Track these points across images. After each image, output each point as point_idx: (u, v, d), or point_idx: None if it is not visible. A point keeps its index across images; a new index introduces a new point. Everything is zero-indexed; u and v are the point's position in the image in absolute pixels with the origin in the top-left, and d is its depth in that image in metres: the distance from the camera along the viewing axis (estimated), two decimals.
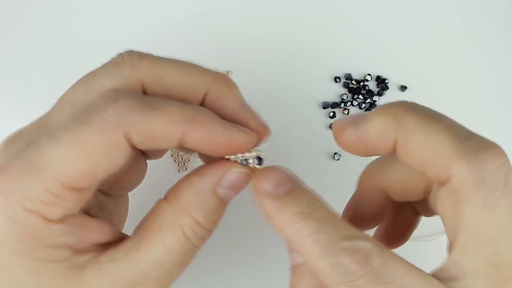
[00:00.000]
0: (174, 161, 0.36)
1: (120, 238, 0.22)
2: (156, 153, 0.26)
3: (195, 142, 0.21)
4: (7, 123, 0.37)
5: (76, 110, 0.20)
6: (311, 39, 0.40)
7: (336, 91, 0.39)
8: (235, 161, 0.22)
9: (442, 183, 0.19)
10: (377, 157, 0.25)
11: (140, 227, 0.22)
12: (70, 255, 0.20)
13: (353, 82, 0.39)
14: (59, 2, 0.40)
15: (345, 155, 0.37)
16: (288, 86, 0.38)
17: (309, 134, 0.34)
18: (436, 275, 0.19)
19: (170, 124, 0.20)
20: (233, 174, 0.22)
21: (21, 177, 0.19)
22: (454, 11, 0.40)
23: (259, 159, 0.22)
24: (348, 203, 0.27)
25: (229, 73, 0.38)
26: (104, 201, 0.24)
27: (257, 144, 0.23)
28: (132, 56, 0.21)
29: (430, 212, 0.25)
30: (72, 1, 0.40)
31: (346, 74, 0.39)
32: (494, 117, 0.38)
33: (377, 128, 0.20)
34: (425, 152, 0.19)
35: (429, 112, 0.20)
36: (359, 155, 0.22)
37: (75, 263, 0.20)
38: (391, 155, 0.21)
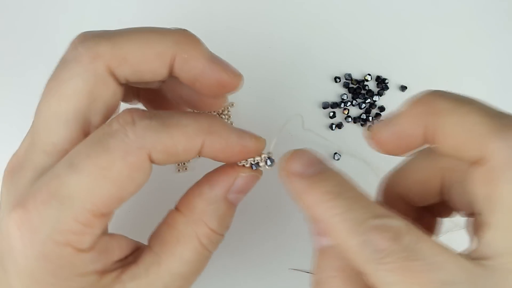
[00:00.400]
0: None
1: (136, 248, 0.22)
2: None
3: (211, 152, 0.21)
4: (7, 123, 0.37)
5: (94, 136, 0.20)
6: (311, 39, 0.40)
7: (336, 91, 0.39)
8: (244, 165, 0.23)
9: (476, 162, 0.18)
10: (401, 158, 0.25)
11: (156, 240, 0.22)
12: (97, 280, 0.20)
13: (353, 82, 0.39)
14: (60, 2, 0.40)
15: (345, 155, 0.37)
16: (288, 86, 0.38)
17: (307, 130, 0.34)
18: (467, 256, 0.18)
19: (189, 139, 0.20)
20: (242, 179, 0.23)
21: (47, 210, 0.19)
22: (454, 11, 0.40)
23: (271, 160, 0.23)
24: (400, 172, 0.26)
25: None
26: None
27: (233, 91, 0.23)
28: (88, 46, 0.20)
29: (449, 212, 0.24)
30: (73, 1, 0.40)
31: (346, 74, 0.39)
32: None
33: (409, 117, 0.20)
34: (458, 132, 0.19)
35: (459, 96, 0.20)
36: (395, 154, 0.22)
37: (101, 286, 0.20)
38: (407, 161, 0.21)
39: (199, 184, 0.23)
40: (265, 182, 0.37)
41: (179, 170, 0.36)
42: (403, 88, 0.39)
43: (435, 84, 0.39)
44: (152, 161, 0.20)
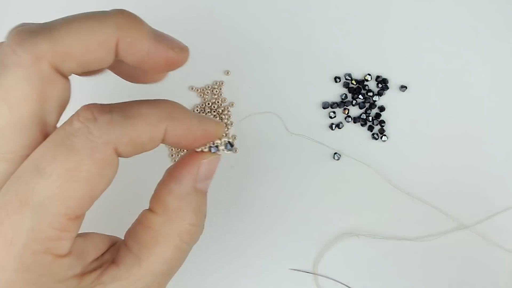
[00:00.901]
0: (174, 161, 0.36)
1: (112, 243, 0.22)
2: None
3: (174, 138, 0.21)
4: None
5: (56, 137, 0.19)
6: (311, 39, 0.40)
7: (336, 91, 0.39)
8: (202, 151, 0.23)
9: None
10: None
11: (134, 241, 0.22)
12: (77, 283, 0.20)
13: (353, 82, 0.39)
14: (60, 2, 0.40)
15: (345, 155, 0.37)
16: (288, 86, 0.38)
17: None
18: None
19: (153, 127, 0.20)
20: (205, 166, 0.22)
21: (20, 220, 0.18)
22: (454, 11, 0.40)
23: (231, 145, 0.23)
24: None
25: (229, 73, 0.38)
26: None
27: (180, 65, 0.23)
28: (27, 48, 0.19)
29: None
30: (73, 1, 0.40)
31: (346, 74, 0.39)
32: (494, 117, 0.38)
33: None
34: None
35: None
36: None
37: (80, 287, 0.20)
38: None
39: (164, 182, 0.22)
40: (265, 182, 0.37)
41: None
42: (403, 88, 0.39)
43: (435, 84, 0.39)
44: (118, 155, 0.19)
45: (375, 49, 0.39)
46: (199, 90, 0.38)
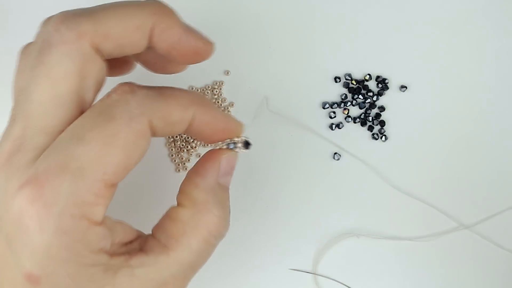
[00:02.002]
0: (174, 161, 0.36)
1: (138, 236, 0.23)
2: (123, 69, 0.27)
3: (199, 125, 0.22)
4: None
5: (94, 109, 0.20)
6: (311, 39, 0.40)
7: (336, 91, 0.39)
8: (221, 148, 0.24)
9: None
10: None
11: (162, 232, 0.23)
12: (107, 260, 0.20)
13: (353, 82, 0.39)
14: (60, 2, 0.40)
15: (345, 155, 0.37)
16: (288, 86, 0.38)
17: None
18: None
19: (184, 108, 0.21)
20: (225, 161, 0.24)
21: (60, 183, 0.18)
22: (455, 11, 0.40)
23: (247, 144, 0.24)
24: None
25: (229, 73, 0.38)
26: None
27: (206, 58, 0.25)
28: (71, 26, 0.20)
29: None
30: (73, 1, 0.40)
31: (346, 74, 0.39)
32: (494, 117, 0.38)
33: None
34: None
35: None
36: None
37: (110, 266, 0.20)
38: None
39: (189, 178, 0.24)
40: (266, 182, 0.37)
41: (178, 170, 0.36)
42: (403, 88, 0.39)
43: (435, 84, 0.39)
44: (151, 129, 0.21)
45: (375, 49, 0.39)
46: (199, 90, 0.38)
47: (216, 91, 0.38)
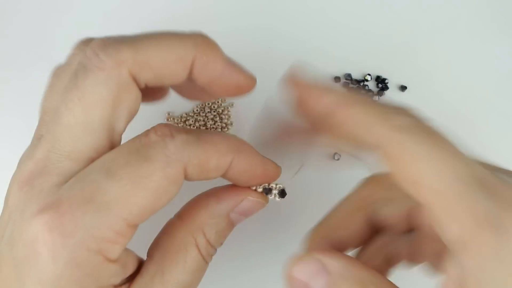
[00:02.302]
0: None
1: (140, 263, 0.22)
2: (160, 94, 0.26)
3: (236, 172, 0.21)
4: (7, 123, 0.37)
5: (131, 146, 0.20)
6: (311, 39, 0.40)
7: None
8: (255, 190, 0.23)
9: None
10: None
11: (157, 249, 0.22)
12: None
13: (353, 82, 0.39)
14: (60, 2, 0.40)
15: (345, 155, 0.37)
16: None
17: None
18: None
19: (221, 155, 0.20)
20: (249, 202, 0.23)
21: (82, 215, 0.18)
22: (454, 11, 0.40)
23: (283, 193, 0.24)
24: (324, 220, 0.27)
25: None
26: None
27: (247, 93, 0.24)
28: (110, 53, 0.20)
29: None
30: (72, 1, 0.40)
31: (346, 74, 0.39)
32: (494, 117, 0.38)
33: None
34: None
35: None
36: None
37: None
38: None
39: (205, 196, 0.23)
40: None
41: None
42: (403, 88, 0.39)
43: (434, 84, 0.39)
44: (185, 175, 0.20)
45: (375, 49, 0.39)
46: None
47: None
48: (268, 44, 0.39)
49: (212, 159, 0.20)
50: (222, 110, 0.38)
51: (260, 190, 0.23)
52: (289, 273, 0.21)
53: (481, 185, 0.16)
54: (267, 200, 0.23)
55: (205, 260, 0.22)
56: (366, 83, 0.39)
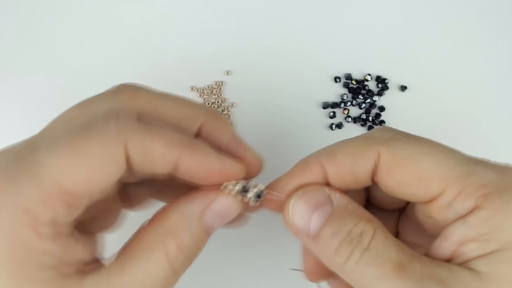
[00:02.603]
0: None
1: (97, 256, 0.22)
2: (136, 202, 0.26)
3: (188, 169, 0.21)
4: (6, 123, 0.37)
5: (75, 125, 0.20)
6: (311, 39, 0.40)
7: (336, 91, 0.39)
8: (229, 192, 0.22)
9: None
10: None
11: (123, 250, 0.21)
12: (57, 278, 0.20)
13: (353, 82, 0.39)
14: (60, 3, 0.40)
15: None
16: (288, 86, 0.38)
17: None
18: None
19: (168, 146, 0.20)
20: (221, 203, 0.22)
21: (14, 184, 0.19)
22: (454, 11, 0.40)
23: (259, 196, 0.22)
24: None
25: (229, 73, 0.38)
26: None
27: (253, 175, 0.24)
28: (128, 87, 0.22)
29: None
30: (73, 1, 0.40)
31: (346, 74, 0.39)
32: (494, 117, 0.38)
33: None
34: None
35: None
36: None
37: (58, 285, 0.20)
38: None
39: (177, 199, 0.22)
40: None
41: None
42: (403, 88, 0.39)
43: (435, 84, 0.39)
44: (128, 159, 0.20)
45: (375, 49, 0.39)
46: (199, 91, 0.38)
47: (217, 91, 0.38)
48: (268, 44, 0.39)
49: (157, 148, 0.20)
50: (223, 110, 0.38)
51: (234, 192, 0.22)
52: (294, 203, 0.22)
53: (475, 164, 0.21)
54: (240, 204, 0.22)
55: (173, 268, 0.21)
56: (366, 83, 0.39)
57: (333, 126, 0.38)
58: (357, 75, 0.39)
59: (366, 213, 0.21)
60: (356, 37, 0.40)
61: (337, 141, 0.24)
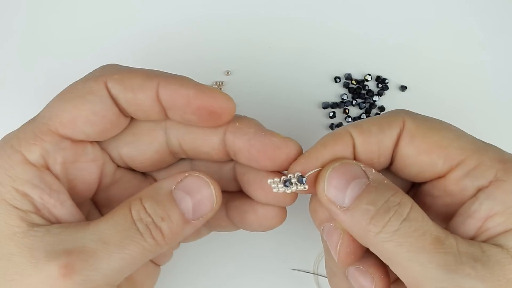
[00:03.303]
0: None
1: (76, 211, 0.24)
2: (166, 255, 0.29)
3: (169, 98, 0.23)
4: (7, 124, 0.37)
5: (66, 91, 0.24)
6: (311, 39, 0.40)
7: (336, 91, 0.39)
8: (276, 185, 0.23)
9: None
10: None
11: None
12: (31, 210, 0.22)
13: (353, 82, 0.39)
14: (59, 3, 0.40)
15: None
16: (288, 86, 0.38)
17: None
18: None
19: (146, 77, 0.23)
20: (191, 178, 0.23)
21: (22, 127, 0.23)
22: (454, 11, 0.40)
23: (301, 182, 0.23)
24: None
25: (229, 73, 0.38)
26: None
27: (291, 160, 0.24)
28: (112, 65, 0.26)
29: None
30: (72, 1, 0.40)
31: (346, 74, 0.39)
32: (494, 117, 0.38)
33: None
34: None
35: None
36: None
37: (30, 218, 0.22)
38: None
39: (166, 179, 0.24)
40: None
41: None
42: (403, 88, 0.39)
43: (435, 84, 0.39)
44: (109, 91, 0.23)
45: (375, 49, 0.39)
46: None
47: None
48: (268, 44, 0.39)
49: (136, 79, 0.23)
50: None
51: (281, 184, 0.23)
52: (331, 174, 0.22)
53: (491, 145, 0.22)
54: (211, 179, 0.23)
55: (135, 224, 0.22)
56: (366, 83, 0.39)
57: (333, 126, 0.38)
58: (357, 75, 0.39)
59: (397, 188, 0.21)
60: (356, 37, 0.40)
61: None
